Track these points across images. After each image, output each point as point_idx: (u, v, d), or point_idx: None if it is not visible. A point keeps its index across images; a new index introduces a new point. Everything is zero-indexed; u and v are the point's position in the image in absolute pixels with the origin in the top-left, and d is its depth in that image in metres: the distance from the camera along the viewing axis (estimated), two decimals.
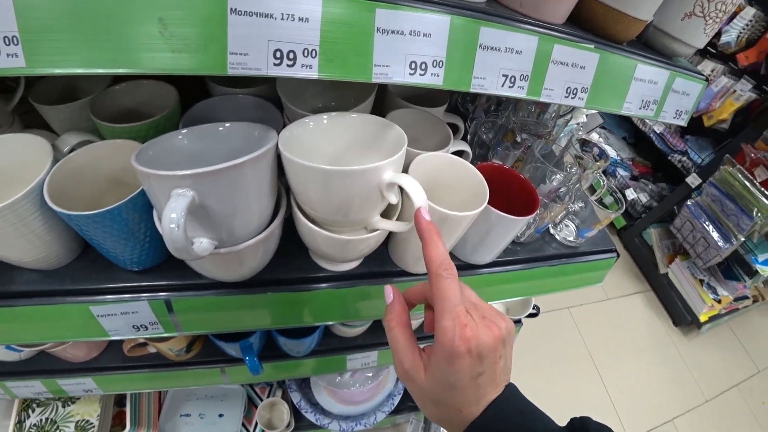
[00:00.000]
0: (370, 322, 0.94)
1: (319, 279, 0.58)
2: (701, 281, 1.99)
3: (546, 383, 1.71)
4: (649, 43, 0.58)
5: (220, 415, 1.15)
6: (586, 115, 1.07)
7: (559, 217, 0.70)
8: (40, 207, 0.45)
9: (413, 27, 0.37)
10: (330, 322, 0.70)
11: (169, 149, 0.44)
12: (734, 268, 1.96)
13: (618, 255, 0.78)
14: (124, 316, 0.53)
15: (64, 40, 0.29)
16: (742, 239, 1.69)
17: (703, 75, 0.60)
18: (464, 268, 0.62)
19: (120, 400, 1.06)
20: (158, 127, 0.52)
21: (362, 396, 1.14)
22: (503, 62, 0.42)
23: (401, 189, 0.39)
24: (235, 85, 0.59)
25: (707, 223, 1.79)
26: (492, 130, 0.73)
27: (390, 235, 0.56)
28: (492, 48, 0.41)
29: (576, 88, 0.49)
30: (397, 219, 0.48)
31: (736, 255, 1.81)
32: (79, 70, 0.30)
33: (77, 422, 0.94)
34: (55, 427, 0.93)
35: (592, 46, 0.47)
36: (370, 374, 1.10)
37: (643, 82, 0.54)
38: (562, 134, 0.94)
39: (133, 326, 0.55)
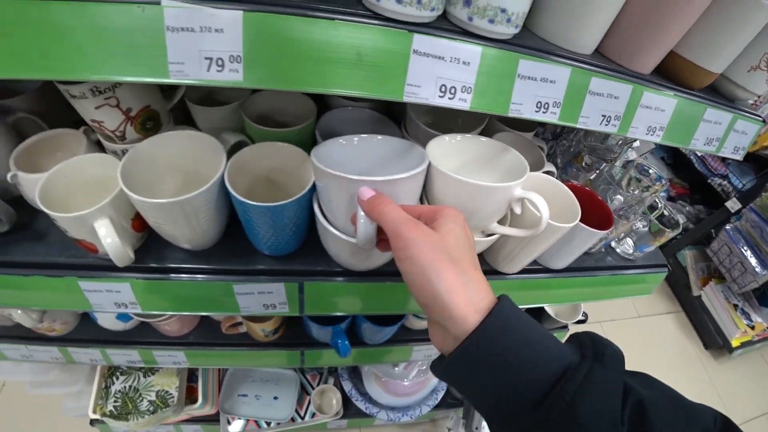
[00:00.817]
0: None
1: None
2: (735, 306, 2.07)
3: None
4: (715, 88, 0.69)
5: (275, 398, 1.28)
6: (639, 140, 1.18)
7: (623, 233, 0.82)
8: (213, 198, 0.57)
9: (545, 75, 0.49)
10: None
11: (326, 153, 0.55)
12: None
13: (669, 270, 0.89)
14: (260, 296, 0.66)
15: (277, 64, 0.39)
16: None
17: (761, 117, 0.71)
18: (542, 271, 0.74)
19: (188, 376, 1.20)
20: (300, 132, 0.65)
21: (410, 389, 1.26)
22: (604, 105, 0.55)
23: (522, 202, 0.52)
24: (352, 99, 0.72)
25: (745, 248, 1.89)
26: (563, 153, 0.86)
27: None
28: (597, 94, 0.53)
29: (656, 127, 0.61)
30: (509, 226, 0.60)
31: None
32: (289, 88, 0.41)
33: (157, 392, 1.08)
34: (138, 394, 1.07)
35: (672, 93, 0.59)
36: (424, 368, 1.23)
37: (710, 122, 0.65)
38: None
39: (264, 305, 0.68)
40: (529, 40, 0.50)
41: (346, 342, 0.84)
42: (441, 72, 0.44)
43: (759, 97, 0.68)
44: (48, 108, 0.75)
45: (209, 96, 0.76)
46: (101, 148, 0.69)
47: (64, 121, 0.75)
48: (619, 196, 0.83)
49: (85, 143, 0.67)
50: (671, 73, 0.61)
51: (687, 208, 2.42)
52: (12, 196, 0.70)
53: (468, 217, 0.54)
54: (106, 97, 0.57)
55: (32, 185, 0.62)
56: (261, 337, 0.94)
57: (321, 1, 0.41)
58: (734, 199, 1.95)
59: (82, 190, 0.63)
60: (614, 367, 0.35)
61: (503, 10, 0.42)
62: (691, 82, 0.61)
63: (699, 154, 2.24)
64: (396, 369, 1.20)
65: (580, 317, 1.09)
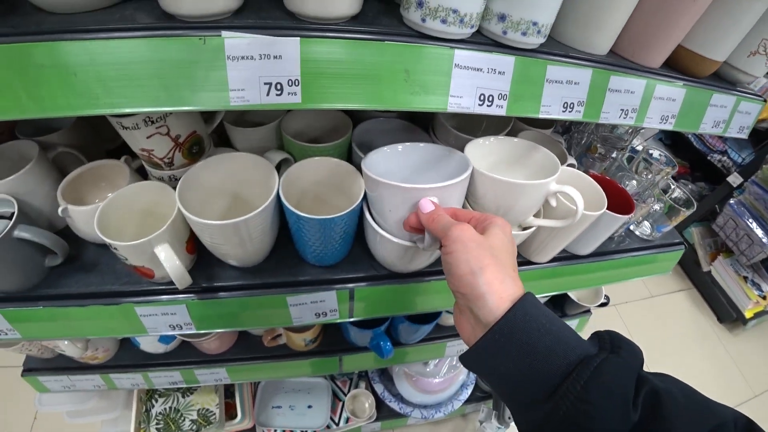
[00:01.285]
0: None
1: None
2: (745, 278, 2.16)
3: None
4: (719, 74, 0.76)
5: (309, 407, 1.33)
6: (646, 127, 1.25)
7: (641, 216, 0.88)
8: (269, 215, 0.61)
9: (569, 77, 0.55)
10: None
11: (373, 163, 0.60)
12: None
13: (686, 247, 0.96)
14: (312, 305, 0.71)
15: (332, 85, 0.44)
16: None
17: (761, 96, 0.78)
18: (570, 258, 0.80)
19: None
20: (341, 146, 0.70)
21: (440, 386, 1.32)
22: (622, 100, 0.61)
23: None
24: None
25: (750, 220, 1.97)
26: (576, 145, 0.92)
27: None
28: (616, 90, 0.60)
29: (668, 116, 0.67)
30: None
31: None
32: (344, 107, 0.45)
33: (198, 410, 1.12)
34: (179, 415, 1.11)
35: (681, 84, 0.66)
36: (455, 363, 1.28)
37: (716, 107, 0.72)
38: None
39: (316, 314, 0.72)
40: (552, 47, 0.56)
41: (389, 343, 0.90)
42: (480, 82, 0.50)
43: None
44: (83, 141, 0.79)
45: (241, 117, 0.80)
46: (142, 176, 0.73)
47: (97, 152, 0.80)
48: (633, 182, 0.90)
49: (128, 172, 0.71)
50: (679, 65, 0.67)
51: (689, 186, 2.50)
52: (56, 229, 0.74)
53: (507, 212, 0.60)
54: (158, 126, 0.61)
55: (82, 217, 0.66)
56: (301, 347, 0.99)
57: (368, 23, 0.46)
58: (735, 173, 2.04)
59: (132, 218, 0.67)
60: (630, 359, 0.37)
61: (535, 23, 0.48)
62: (697, 71, 0.67)
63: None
64: (428, 367, 1.25)
65: (603, 300, 1.15)
